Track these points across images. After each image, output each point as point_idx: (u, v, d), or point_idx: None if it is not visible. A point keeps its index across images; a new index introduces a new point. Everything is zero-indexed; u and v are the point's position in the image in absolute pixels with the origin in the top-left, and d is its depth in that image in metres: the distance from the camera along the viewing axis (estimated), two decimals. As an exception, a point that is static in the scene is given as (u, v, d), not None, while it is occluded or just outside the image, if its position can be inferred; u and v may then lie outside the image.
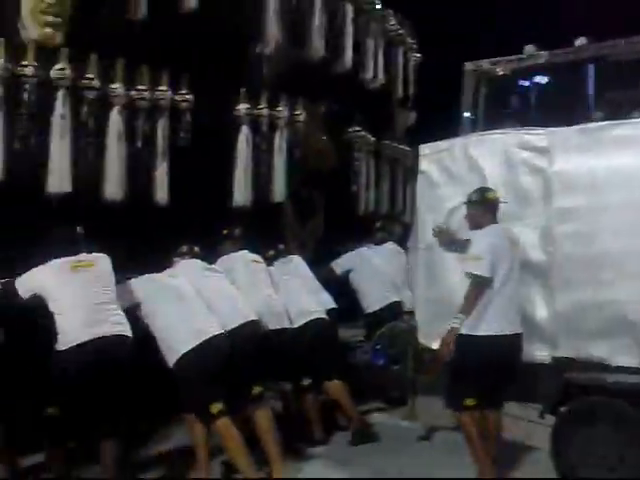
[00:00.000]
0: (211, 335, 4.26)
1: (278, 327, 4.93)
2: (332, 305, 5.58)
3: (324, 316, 5.28)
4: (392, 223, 7.40)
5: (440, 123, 7.46)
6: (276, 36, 6.08)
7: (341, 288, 6.41)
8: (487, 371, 4.13)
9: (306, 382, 5.09)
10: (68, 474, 4.02)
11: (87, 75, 4.91)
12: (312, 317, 5.16)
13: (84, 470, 4.17)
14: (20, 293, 4.07)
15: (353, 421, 5.24)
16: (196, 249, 4.83)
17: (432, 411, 5.04)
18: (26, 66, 4.67)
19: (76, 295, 3.99)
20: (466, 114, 8.51)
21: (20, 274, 4.10)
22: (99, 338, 3.90)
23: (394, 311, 6.21)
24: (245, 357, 4.45)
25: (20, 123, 4.66)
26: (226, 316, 4.51)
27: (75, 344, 3.85)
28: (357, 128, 7.25)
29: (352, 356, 6.33)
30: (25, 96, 4.68)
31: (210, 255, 4.98)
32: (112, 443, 3.92)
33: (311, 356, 5.12)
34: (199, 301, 4.47)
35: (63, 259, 4.07)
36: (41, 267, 4.06)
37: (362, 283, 6.34)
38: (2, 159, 4.55)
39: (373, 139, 7.49)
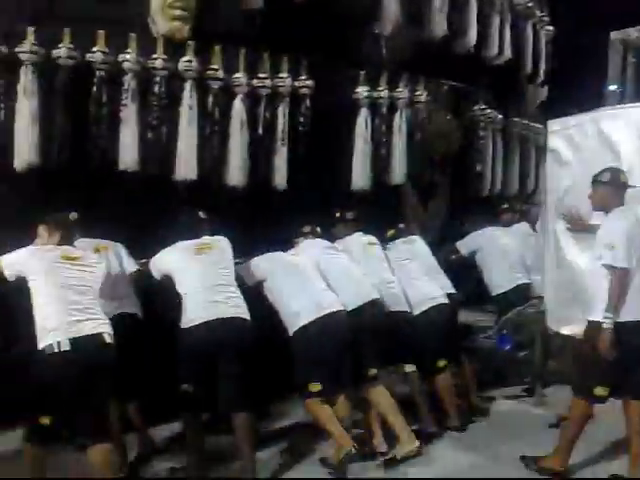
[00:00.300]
0: (331, 310, 4.39)
1: (396, 309, 4.94)
2: (451, 290, 5.49)
3: (444, 301, 5.21)
4: (521, 204, 7.15)
5: (578, 98, 7.13)
6: (395, 17, 6.00)
7: (466, 270, 6.33)
8: (622, 359, 3.96)
9: (441, 363, 5.07)
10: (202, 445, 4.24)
11: (212, 66, 5.10)
12: (432, 303, 5.11)
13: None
14: (153, 274, 4.41)
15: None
16: (318, 229, 4.97)
17: (562, 399, 4.87)
18: (156, 59, 4.91)
19: (199, 276, 4.22)
20: (612, 87, 8.07)
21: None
22: (219, 319, 4.10)
23: (522, 294, 6.03)
24: (364, 337, 4.54)
25: (151, 114, 4.91)
26: (348, 295, 4.61)
27: (196, 323, 4.08)
28: (482, 106, 7.04)
29: (477, 341, 6.24)
30: (155, 88, 4.93)
31: (327, 238, 5.09)
32: (244, 416, 4.11)
33: (437, 341, 5.09)
34: (320, 278, 4.61)
35: (188, 241, 4.33)
36: (169, 249, 4.36)
37: (489, 264, 6.19)
38: (136, 148, 4.85)
39: (500, 117, 7.24)
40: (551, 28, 8.14)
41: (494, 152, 7.15)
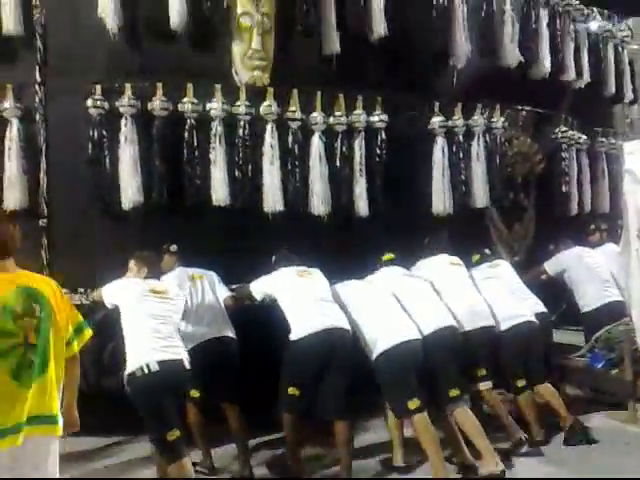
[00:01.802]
0: (408, 338, 4.61)
1: (484, 325, 5.07)
2: (542, 309, 5.54)
3: (532, 319, 5.27)
4: (610, 223, 7.09)
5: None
6: (466, 49, 6.26)
7: (556, 290, 6.35)
8: None
9: (520, 384, 5.14)
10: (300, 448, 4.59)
11: (290, 108, 5.55)
12: (519, 320, 5.19)
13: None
14: (254, 295, 4.89)
15: (566, 421, 5.16)
16: (394, 256, 5.24)
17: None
18: (239, 106, 5.42)
19: (304, 294, 4.67)
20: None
21: (249, 280, 4.92)
22: (326, 329, 4.50)
23: (614, 311, 5.99)
24: (441, 362, 4.71)
25: (237, 154, 5.42)
26: (424, 320, 4.80)
27: (307, 334, 4.47)
28: (564, 129, 7.11)
29: (570, 359, 6.20)
30: (240, 131, 5.42)
31: (412, 263, 5.34)
32: (344, 423, 4.42)
33: (521, 359, 5.18)
34: (397, 304, 4.85)
35: (290, 268, 4.84)
36: (273, 273, 4.86)
37: (578, 282, 6.21)
38: (227, 185, 5.35)
39: (584, 138, 7.27)
40: (636, 47, 8.11)
41: (580, 173, 7.17)
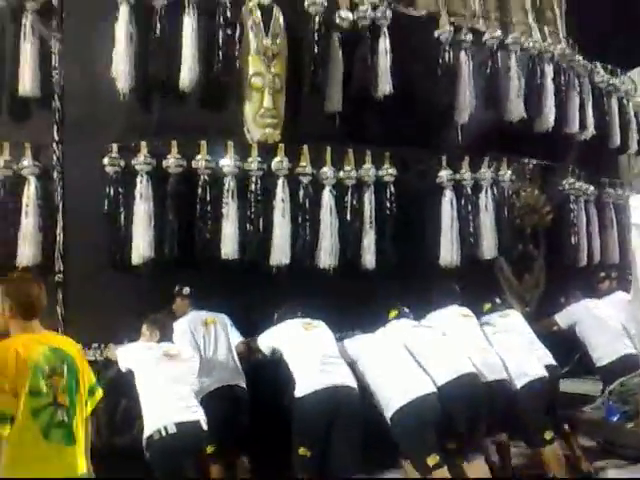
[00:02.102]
0: (423, 393, 4.60)
1: (497, 378, 5.06)
2: (551, 361, 5.53)
3: (543, 374, 5.25)
4: (619, 272, 7.10)
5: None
6: (472, 105, 6.40)
7: (569, 342, 6.34)
8: None
9: (548, 436, 5.06)
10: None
11: (301, 164, 5.66)
12: (533, 377, 5.17)
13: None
14: (262, 349, 4.91)
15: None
16: (403, 309, 5.26)
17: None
18: (251, 162, 5.54)
19: (309, 349, 4.67)
20: None
21: (258, 334, 4.95)
22: (332, 387, 4.47)
23: (627, 364, 5.95)
24: (460, 411, 4.70)
25: (249, 209, 5.51)
26: (439, 370, 4.81)
27: (311, 391, 4.46)
28: (571, 180, 7.21)
29: (585, 411, 6.15)
30: (252, 186, 5.53)
31: (422, 315, 5.37)
32: None
33: (542, 411, 5.15)
34: (410, 358, 4.86)
35: (295, 320, 4.86)
36: (279, 325, 4.88)
37: (589, 336, 6.18)
38: (237, 240, 5.43)
39: (592, 189, 7.36)
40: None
41: (588, 224, 7.23)
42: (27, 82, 5.37)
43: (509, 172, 6.58)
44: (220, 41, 5.51)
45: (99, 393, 3.17)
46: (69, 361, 2.92)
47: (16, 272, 4.46)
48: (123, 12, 5.36)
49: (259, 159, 5.56)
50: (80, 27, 5.50)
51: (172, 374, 4.26)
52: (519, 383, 5.14)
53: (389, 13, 6.02)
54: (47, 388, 2.81)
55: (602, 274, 6.81)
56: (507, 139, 6.70)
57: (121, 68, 5.32)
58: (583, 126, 7.37)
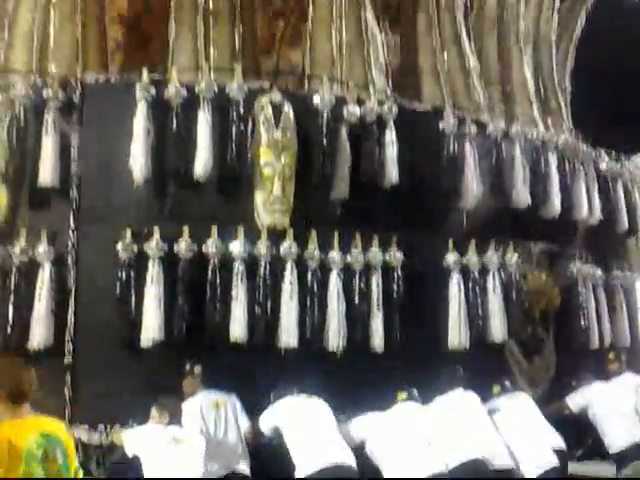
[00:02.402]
0: (433, 472, 4.60)
1: (502, 465, 5.01)
2: (560, 445, 5.46)
3: (555, 463, 5.20)
4: (630, 354, 7.05)
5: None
6: (476, 191, 6.54)
7: (581, 425, 6.25)
8: None
9: None
10: None
11: (309, 248, 5.80)
12: (542, 469, 5.12)
13: None
14: (263, 430, 4.94)
15: None
16: (414, 392, 5.29)
17: None
18: (260, 247, 5.66)
19: (308, 428, 4.72)
20: None
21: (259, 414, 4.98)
22: (331, 466, 4.49)
23: (641, 448, 5.85)
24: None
25: (258, 292, 5.62)
26: (446, 454, 4.78)
27: (311, 472, 4.48)
28: (579, 263, 7.27)
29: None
30: (261, 270, 5.65)
31: (429, 398, 5.37)
32: None
33: None
34: (419, 439, 4.84)
35: (294, 397, 4.92)
36: (279, 402, 4.93)
37: (601, 420, 6.10)
38: (245, 323, 5.51)
39: (600, 272, 7.41)
40: (642, 184, 8.40)
41: (598, 306, 7.24)
42: (47, 173, 5.60)
43: (516, 255, 6.66)
44: (233, 135, 5.73)
45: (80, 474, 3.15)
46: (61, 447, 2.93)
47: (5, 357, 4.43)
48: (141, 108, 5.62)
49: (268, 244, 5.70)
50: (99, 122, 5.77)
51: (178, 461, 4.28)
52: (531, 472, 5.07)
53: (395, 108, 6.23)
54: (42, 474, 2.82)
55: (612, 355, 6.76)
56: (513, 224, 6.84)
57: (138, 160, 5.55)
58: (590, 211, 7.47)
